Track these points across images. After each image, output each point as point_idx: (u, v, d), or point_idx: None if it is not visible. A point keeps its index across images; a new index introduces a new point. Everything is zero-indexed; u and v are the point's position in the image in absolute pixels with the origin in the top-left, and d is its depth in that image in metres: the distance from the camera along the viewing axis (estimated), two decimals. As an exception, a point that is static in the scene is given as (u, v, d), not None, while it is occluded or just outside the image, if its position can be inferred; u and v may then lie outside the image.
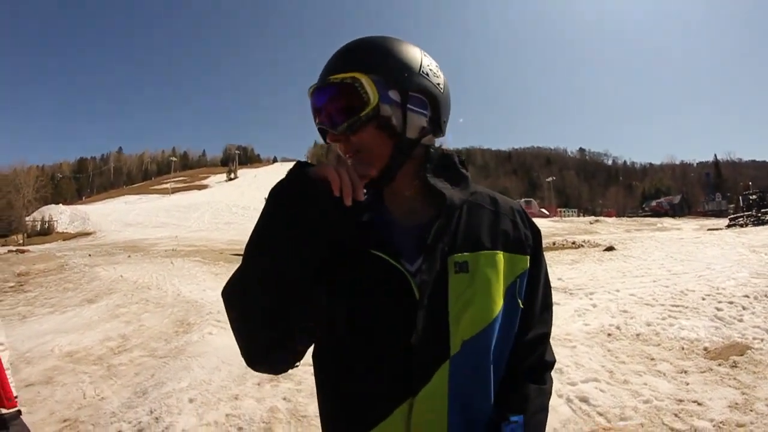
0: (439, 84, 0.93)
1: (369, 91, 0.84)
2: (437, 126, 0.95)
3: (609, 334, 5.19)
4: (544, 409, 0.97)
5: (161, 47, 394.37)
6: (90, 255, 17.30)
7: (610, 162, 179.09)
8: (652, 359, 4.41)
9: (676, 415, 3.33)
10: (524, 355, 0.97)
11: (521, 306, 0.95)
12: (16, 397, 1.53)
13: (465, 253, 0.88)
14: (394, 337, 0.83)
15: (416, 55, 0.91)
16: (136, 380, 4.65)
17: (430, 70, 0.92)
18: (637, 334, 5.09)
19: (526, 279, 0.96)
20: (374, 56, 0.88)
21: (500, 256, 0.91)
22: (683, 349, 4.59)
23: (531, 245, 0.99)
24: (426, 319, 0.82)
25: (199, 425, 3.58)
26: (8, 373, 1.51)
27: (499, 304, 0.89)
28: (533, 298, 0.99)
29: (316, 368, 0.96)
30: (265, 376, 4.45)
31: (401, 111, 0.88)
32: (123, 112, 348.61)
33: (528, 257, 0.97)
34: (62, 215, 47.08)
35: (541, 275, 1.01)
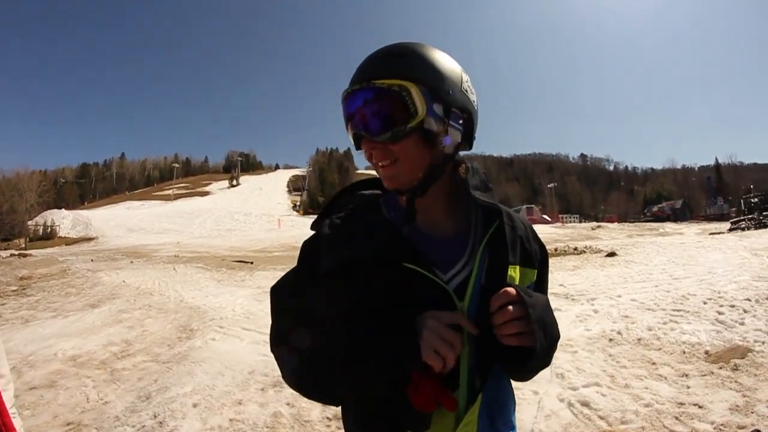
0: (474, 101, 0.93)
1: (417, 103, 0.82)
2: (469, 141, 0.95)
3: (610, 339, 5.19)
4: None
5: (163, 53, 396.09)
6: (92, 260, 17.38)
7: (611, 167, 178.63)
8: (654, 363, 4.41)
9: (677, 418, 3.34)
10: None
11: None
12: None
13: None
14: None
15: (458, 70, 0.91)
16: (139, 385, 4.67)
17: (469, 86, 0.92)
18: (639, 339, 5.09)
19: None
20: (423, 66, 0.85)
21: (517, 269, 0.94)
22: (684, 353, 4.59)
23: (538, 260, 1.03)
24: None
25: (203, 430, 3.59)
26: (13, 413, 1.36)
27: None
28: None
29: None
30: (268, 381, 4.49)
31: (443, 126, 0.87)
32: (126, 119, 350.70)
33: (536, 271, 1.01)
34: (64, 220, 47.37)
35: (545, 289, 1.07)
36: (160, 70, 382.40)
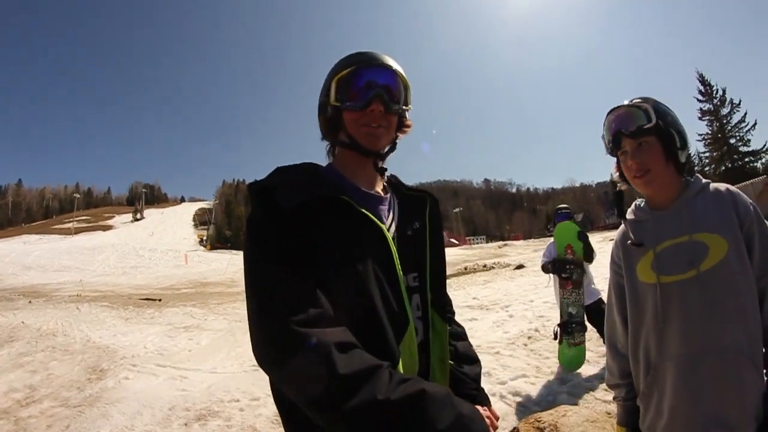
0: None
1: (409, 98, 1.19)
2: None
3: (529, 337, 5.50)
4: None
5: (65, 75, 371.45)
6: (-16, 300, 15.82)
7: (514, 190, 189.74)
8: (576, 350, 4.72)
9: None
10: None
11: None
12: None
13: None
14: (380, 278, 1.02)
15: None
16: (49, 433, 4.33)
17: None
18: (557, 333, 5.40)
19: None
20: (407, 77, 1.20)
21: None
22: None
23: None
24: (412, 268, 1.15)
25: (127, 470, 3.39)
26: None
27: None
28: None
29: None
30: (191, 415, 4.36)
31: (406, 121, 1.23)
32: (25, 142, 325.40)
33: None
34: (-49, 254, 42.35)
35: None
36: (62, 92, 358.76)
